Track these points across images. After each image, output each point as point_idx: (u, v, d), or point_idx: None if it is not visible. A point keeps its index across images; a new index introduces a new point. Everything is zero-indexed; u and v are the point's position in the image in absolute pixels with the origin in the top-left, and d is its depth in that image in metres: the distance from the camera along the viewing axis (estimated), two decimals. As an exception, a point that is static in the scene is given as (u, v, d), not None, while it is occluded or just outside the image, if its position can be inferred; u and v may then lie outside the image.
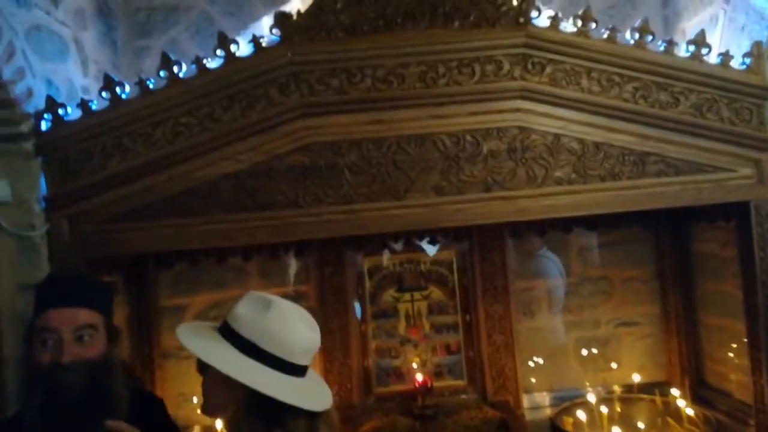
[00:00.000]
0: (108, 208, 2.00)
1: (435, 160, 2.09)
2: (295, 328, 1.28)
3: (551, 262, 2.91)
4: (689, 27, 2.87)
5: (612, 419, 2.40)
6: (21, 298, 1.85)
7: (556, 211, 2.11)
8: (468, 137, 2.10)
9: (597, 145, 2.12)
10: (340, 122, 2.06)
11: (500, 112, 2.10)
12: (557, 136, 2.12)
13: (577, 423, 2.44)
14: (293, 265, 2.84)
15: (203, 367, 1.30)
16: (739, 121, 2.13)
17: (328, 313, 2.71)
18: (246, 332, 1.26)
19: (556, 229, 2.85)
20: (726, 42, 2.50)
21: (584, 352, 2.90)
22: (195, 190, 2.02)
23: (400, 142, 2.08)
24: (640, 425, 2.38)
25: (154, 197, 2.01)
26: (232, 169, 2.03)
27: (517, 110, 2.11)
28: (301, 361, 1.29)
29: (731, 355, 2.49)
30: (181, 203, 2.02)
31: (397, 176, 2.08)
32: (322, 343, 2.64)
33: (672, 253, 2.83)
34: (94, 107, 2.01)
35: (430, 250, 2.85)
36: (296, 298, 2.82)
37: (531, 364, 2.86)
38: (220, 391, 1.26)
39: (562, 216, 2.11)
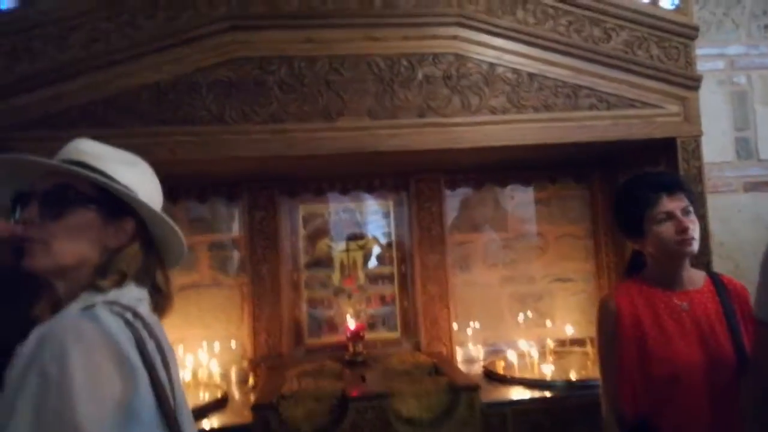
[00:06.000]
0: (15, 113, 1.85)
1: (369, 82, 2.04)
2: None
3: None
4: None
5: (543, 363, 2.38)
6: None
7: (490, 140, 2.09)
8: (403, 61, 2.06)
9: (531, 76, 2.12)
10: (270, 38, 1.99)
11: (436, 38, 2.08)
12: (492, 66, 2.11)
13: (508, 365, 2.41)
14: (224, 212, 2.72)
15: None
16: (667, 59, 2.18)
17: (258, 258, 2.59)
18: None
19: (492, 183, 2.86)
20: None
21: (519, 307, 2.89)
22: (112, 101, 1.90)
23: (333, 63, 2.02)
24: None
25: (66, 105, 1.87)
26: (152, 79, 1.92)
27: (454, 37, 2.09)
28: None
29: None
30: (95, 113, 1.89)
31: (330, 97, 2.02)
32: (252, 289, 2.64)
33: (605, 210, 2.87)
34: (2, 6, 1.87)
35: (367, 199, 2.79)
36: (228, 246, 2.71)
37: (465, 317, 2.83)
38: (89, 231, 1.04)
39: (497, 145, 2.08)
